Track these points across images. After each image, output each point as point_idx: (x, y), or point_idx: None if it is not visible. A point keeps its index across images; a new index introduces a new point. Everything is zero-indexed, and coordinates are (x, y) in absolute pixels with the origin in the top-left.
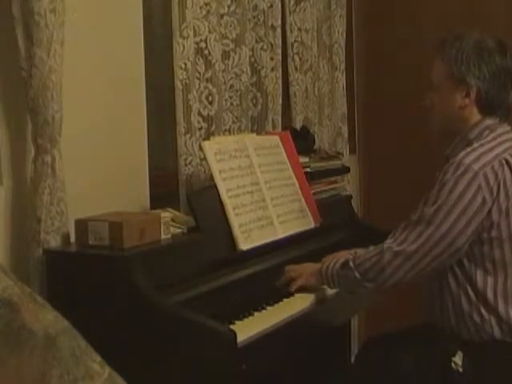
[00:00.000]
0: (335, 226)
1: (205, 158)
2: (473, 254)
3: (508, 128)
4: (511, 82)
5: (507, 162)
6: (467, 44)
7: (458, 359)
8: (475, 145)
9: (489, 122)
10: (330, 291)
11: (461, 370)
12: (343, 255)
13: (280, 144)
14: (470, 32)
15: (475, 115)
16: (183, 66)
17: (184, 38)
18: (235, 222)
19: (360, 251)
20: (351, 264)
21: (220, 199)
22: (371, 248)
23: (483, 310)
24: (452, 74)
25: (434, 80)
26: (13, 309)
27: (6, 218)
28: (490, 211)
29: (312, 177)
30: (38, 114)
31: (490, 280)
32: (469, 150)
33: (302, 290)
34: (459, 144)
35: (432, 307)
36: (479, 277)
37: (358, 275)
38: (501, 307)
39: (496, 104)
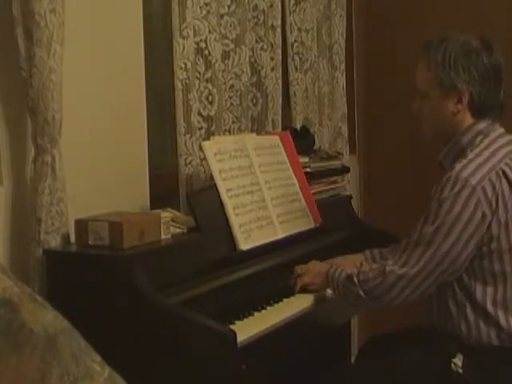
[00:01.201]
0: (335, 226)
1: (205, 158)
2: (472, 269)
3: (501, 130)
4: (501, 80)
5: (504, 173)
6: (453, 47)
7: (458, 360)
8: (470, 155)
9: (481, 125)
10: (330, 291)
11: (461, 371)
12: (350, 262)
13: (280, 144)
14: (453, 33)
15: (468, 119)
16: (183, 66)
17: (184, 38)
18: (235, 222)
19: (364, 265)
20: (355, 279)
21: (220, 199)
22: (374, 265)
23: (482, 325)
24: (441, 81)
25: (420, 87)
26: (13, 309)
27: (6, 218)
28: (489, 224)
29: (312, 177)
30: (38, 114)
31: (489, 291)
32: (465, 162)
33: (305, 290)
34: (452, 150)
35: (431, 315)
36: (478, 290)
37: (361, 293)
38: (501, 318)
39: (489, 105)
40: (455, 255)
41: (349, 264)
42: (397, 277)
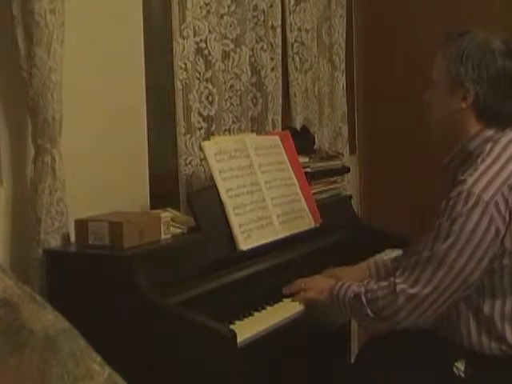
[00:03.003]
0: (335, 226)
1: (205, 158)
2: (482, 284)
3: (511, 135)
4: None
5: None
6: (470, 43)
7: (460, 364)
8: (481, 167)
9: (489, 133)
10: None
11: (463, 375)
12: (354, 274)
13: (280, 144)
14: (477, 30)
15: (473, 122)
16: (183, 66)
17: (184, 38)
18: (235, 222)
19: (372, 283)
20: (363, 298)
21: (220, 199)
22: (383, 283)
23: (484, 337)
24: (450, 73)
25: (434, 76)
26: (13, 309)
27: (6, 218)
28: (503, 239)
29: (312, 177)
30: (38, 114)
31: (497, 304)
32: (476, 175)
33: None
34: (459, 154)
35: (432, 324)
36: (487, 304)
37: (370, 313)
38: (508, 332)
39: (494, 111)
40: (468, 273)
41: (352, 277)
42: (408, 297)
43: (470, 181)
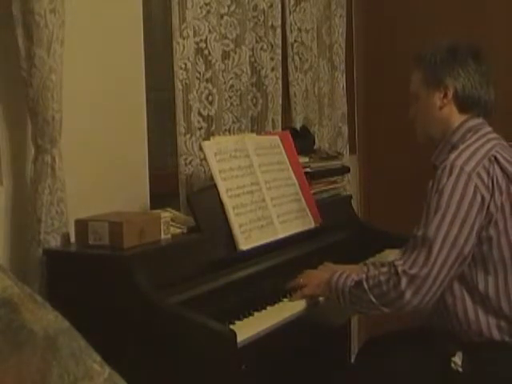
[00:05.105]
0: (335, 226)
1: (205, 158)
2: (472, 257)
3: (490, 129)
4: (487, 82)
5: (496, 159)
6: (440, 48)
7: (457, 359)
8: (461, 147)
9: (470, 123)
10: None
11: (460, 370)
12: (353, 269)
13: (280, 144)
14: (443, 39)
15: (455, 115)
16: (183, 66)
17: (184, 38)
18: (235, 222)
19: (372, 270)
20: (365, 285)
21: (220, 199)
22: (383, 269)
23: (481, 315)
24: (428, 77)
25: (412, 89)
26: (13, 309)
27: (6, 218)
28: (488, 207)
29: (312, 177)
30: (38, 114)
31: (490, 279)
32: (456, 152)
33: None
34: (444, 149)
35: (429, 313)
36: (480, 279)
37: (373, 299)
38: (505, 306)
39: (473, 100)
40: (463, 242)
41: (351, 268)
42: (410, 278)
43: (451, 157)
